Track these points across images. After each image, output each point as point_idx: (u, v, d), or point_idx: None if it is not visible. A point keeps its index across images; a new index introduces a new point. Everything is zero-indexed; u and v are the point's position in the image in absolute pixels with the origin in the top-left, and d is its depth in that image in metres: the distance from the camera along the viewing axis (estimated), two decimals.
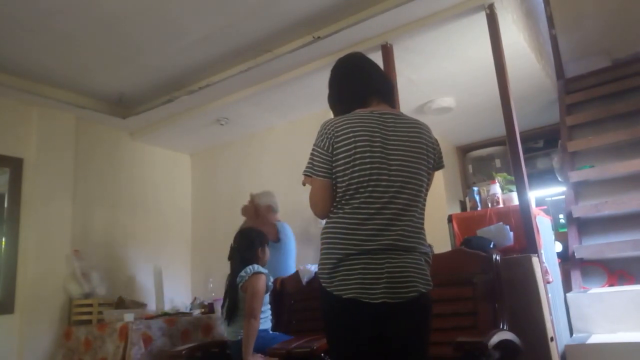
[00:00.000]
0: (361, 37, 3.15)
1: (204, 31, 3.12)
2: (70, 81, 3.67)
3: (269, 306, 2.91)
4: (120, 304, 3.73)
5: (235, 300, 2.81)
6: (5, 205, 3.55)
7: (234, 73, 3.53)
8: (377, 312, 1.47)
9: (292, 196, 4.06)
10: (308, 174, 1.63)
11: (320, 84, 3.46)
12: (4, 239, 3.51)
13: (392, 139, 1.58)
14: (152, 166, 4.66)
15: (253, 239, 2.97)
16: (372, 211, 1.51)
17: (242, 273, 2.81)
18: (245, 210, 3.72)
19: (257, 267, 2.83)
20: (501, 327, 2.03)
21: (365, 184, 1.52)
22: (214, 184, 4.84)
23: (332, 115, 1.73)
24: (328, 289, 1.52)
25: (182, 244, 4.78)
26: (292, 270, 3.42)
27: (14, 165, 3.59)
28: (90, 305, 3.61)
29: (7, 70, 3.41)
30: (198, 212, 4.91)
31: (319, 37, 3.14)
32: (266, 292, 2.83)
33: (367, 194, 1.52)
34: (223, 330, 3.00)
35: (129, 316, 3.26)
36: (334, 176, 1.57)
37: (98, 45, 3.21)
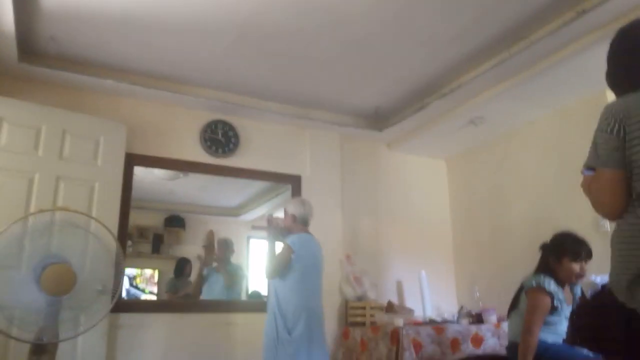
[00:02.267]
0: None
1: (451, 32, 3.04)
2: (332, 102, 4.05)
3: (559, 319, 2.60)
4: (390, 308, 3.87)
5: (518, 298, 2.68)
6: None
7: (486, 69, 3.33)
8: None
9: (561, 198, 3.61)
10: (592, 165, 1.37)
11: (589, 63, 3.01)
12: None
13: None
14: (409, 174, 4.77)
15: (553, 246, 2.66)
16: None
17: (532, 280, 2.59)
18: None
19: (545, 282, 2.54)
20: None
21: None
22: (471, 188, 4.66)
23: (611, 97, 1.43)
24: (629, 306, 1.24)
25: (444, 251, 4.72)
26: (300, 294, 2.95)
27: (294, 182, 4.15)
28: (363, 308, 3.87)
29: (284, 100, 3.98)
30: (457, 218, 4.80)
31: (582, 11, 2.71)
32: (553, 312, 2.54)
33: None
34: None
35: (399, 321, 3.36)
36: (628, 167, 1.29)
37: (351, 66, 3.45)
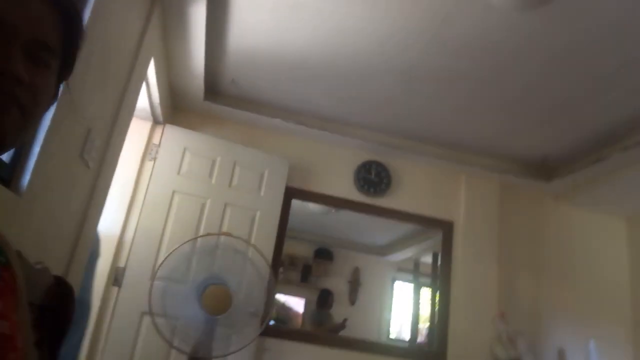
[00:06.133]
0: None
1: None
2: (493, 147, 3.83)
3: None
4: None
5: None
6: (439, 262, 3.96)
7: None
8: None
9: None
10: None
11: None
12: (438, 293, 3.88)
13: None
14: (580, 231, 4.25)
15: None
16: None
17: None
18: None
19: None
20: None
21: None
22: None
23: None
24: None
25: (619, 320, 4.07)
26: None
27: (446, 228, 3.97)
28: None
29: (440, 143, 3.88)
30: None
31: None
32: None
33: None
34: None
35: None
36: None
37: (520, 110, 3.23)
